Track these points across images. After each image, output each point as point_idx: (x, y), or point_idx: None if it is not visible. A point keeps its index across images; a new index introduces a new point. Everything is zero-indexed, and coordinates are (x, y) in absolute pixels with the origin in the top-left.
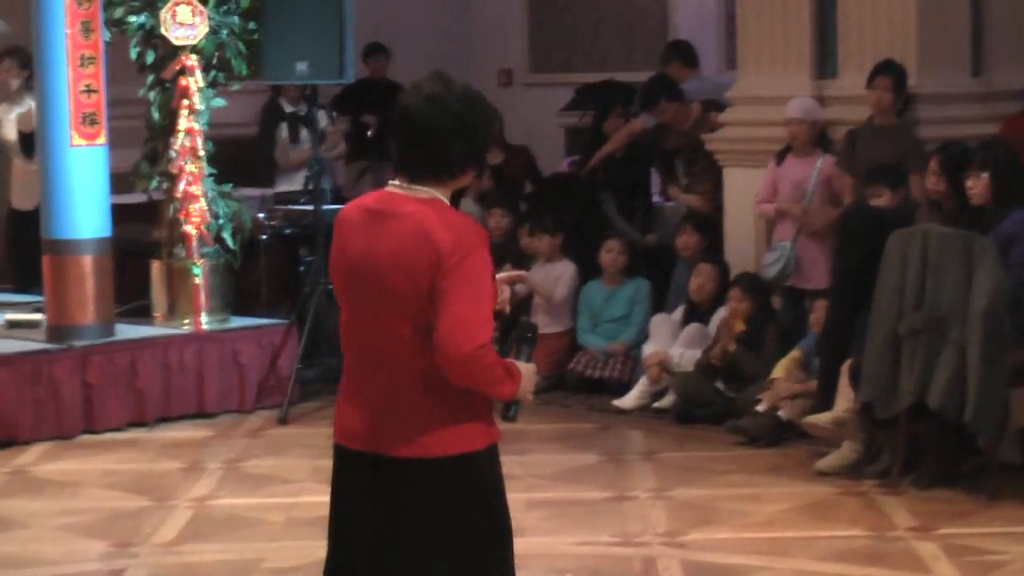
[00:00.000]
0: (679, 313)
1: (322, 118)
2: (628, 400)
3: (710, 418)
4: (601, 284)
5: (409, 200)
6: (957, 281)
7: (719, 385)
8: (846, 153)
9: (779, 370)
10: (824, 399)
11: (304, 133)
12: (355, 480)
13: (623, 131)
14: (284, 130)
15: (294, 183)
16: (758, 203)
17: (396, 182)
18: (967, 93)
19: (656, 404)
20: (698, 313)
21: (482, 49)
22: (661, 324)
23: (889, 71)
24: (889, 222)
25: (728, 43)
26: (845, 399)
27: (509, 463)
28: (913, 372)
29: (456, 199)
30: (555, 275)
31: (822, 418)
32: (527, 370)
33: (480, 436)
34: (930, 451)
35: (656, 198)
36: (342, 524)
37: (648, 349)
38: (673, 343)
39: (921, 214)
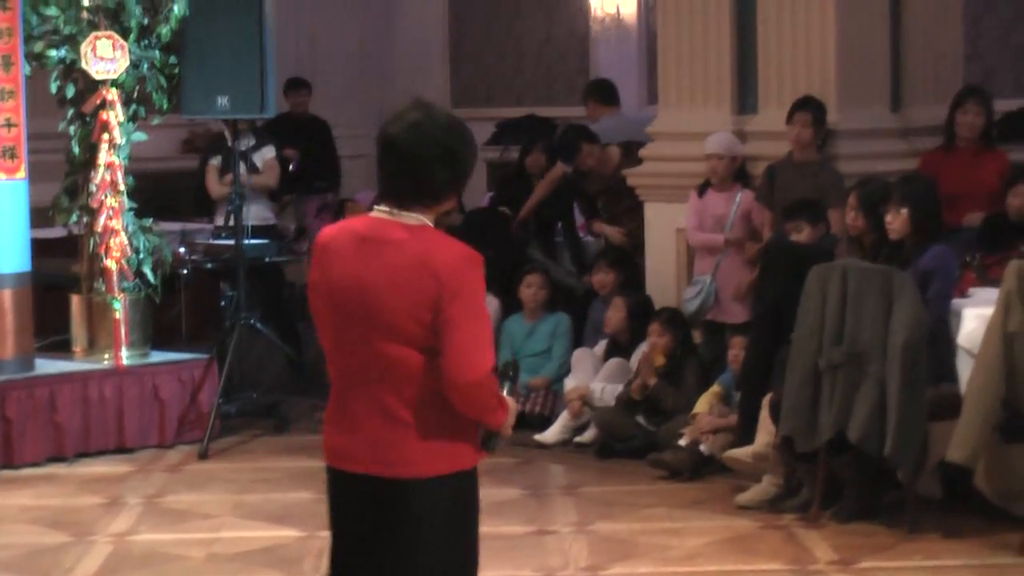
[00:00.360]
0: (600, 347)
1: (268, 151)
2: (549, 434)
3: (631, 452)
4: (522, 319)
5: (399, 226)
6: (876, 316)
7: (640, 419)
8: (765, 188)
9: (701, 404)
10: (745, 433)
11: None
12: (348, 500)
13: (546, 180)
14: (218, 161)
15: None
16: (692, 231)
17: (383, 208)
18: (886, 129)
19: (577, 438)
20: (619, 348)
21: (403, 83)
22: (583, 358)
23: (808, 107)
24: (809, 257)
25: (649, 78)
26: (765, 433)
27: None
28: (833, 406)
29: None
30: None
31: (743, 452)
32: (511, 405)
33: (468, 456)
34: (850, 485)
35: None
36: (339, 541)
37: (569, 383)
38: (595, 377)
39: (841, 249)
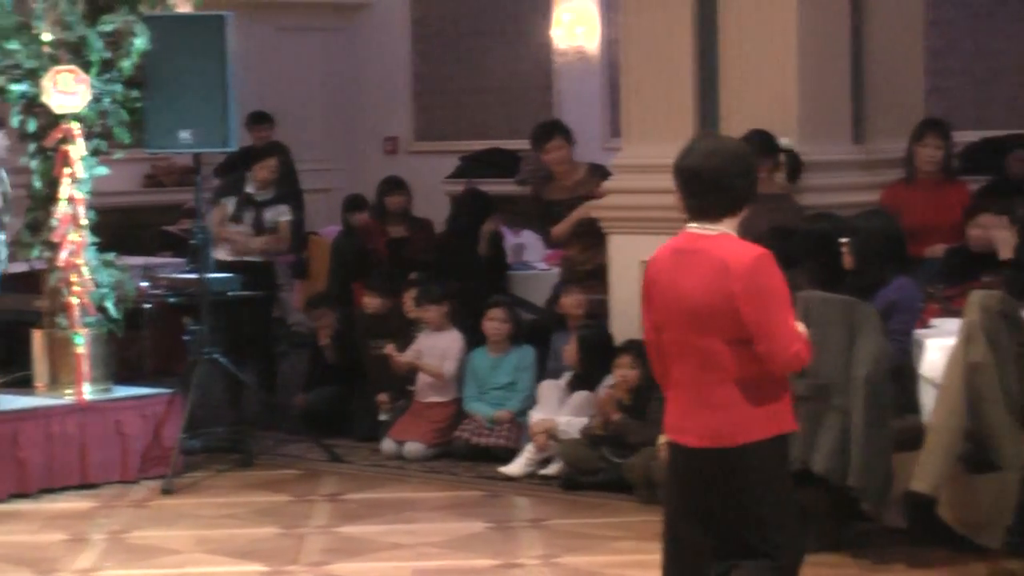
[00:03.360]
0: (566, 380)
1: (284, 212)
2: (515, 467)
3: (598, 485)
4: (486, 352)
5: (705, 238)
6: (840, 347)
7: (606, 452)
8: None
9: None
10: None
11: (248, 217)
12: (685, 467)
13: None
14: (231, 205)
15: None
16: None
17: (694, 225)
18: (849, 161)
19: (543, 471)
20: (584, 380)
21: (368, 117)
22: (548, 391)
23: (749, 141)
24: None
25: (613, 112)
26: None
27: (397, 532)
28: (798, 438)
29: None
30: (442, 346)
31: None
32: (801, 327)
33: (774, 424)
34: (816, 517)
35: (542, 264)
36: (676, 503)
37: (535, 416)
38: (560, 410)
39: (803, 280)
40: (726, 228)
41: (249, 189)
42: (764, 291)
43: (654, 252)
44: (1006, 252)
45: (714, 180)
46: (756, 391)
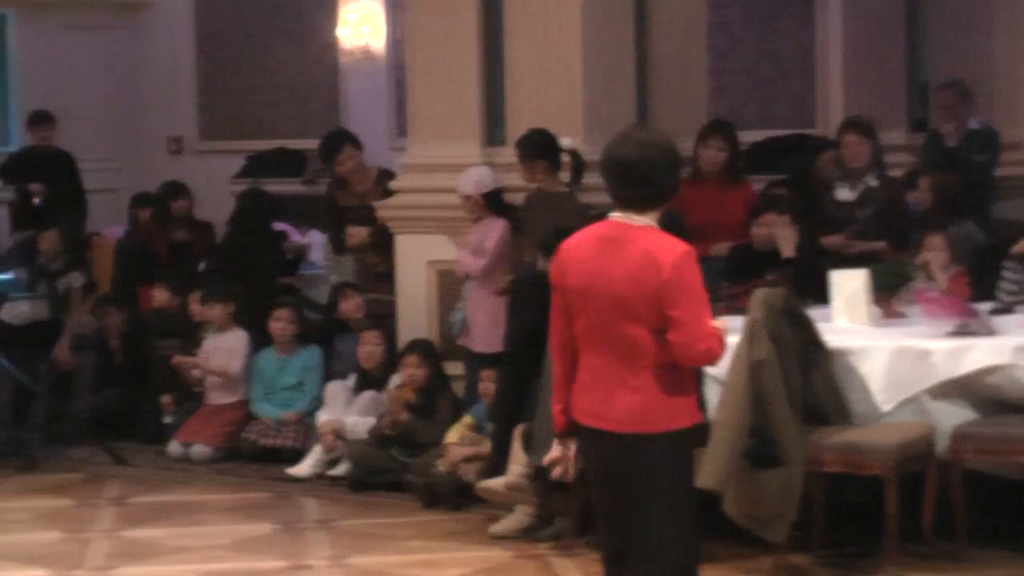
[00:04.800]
0: (352, 380)
1: (76, 279)
2: (303, 468)
3: (386, 485)
4: (273, 353)
5: (630, 227)
6: None
7: (394, 452)
8: (523, 219)
9: (452, 435)
10: (498, 464)
11: (41, 289)
12: (596, 450)
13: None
14: (23, 279)
15: None
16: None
17: (618, 214)
18: None
19: (331, 472)
20: (371, 380)
21: (152, 116)
22: (336, 392)
23: (518, 146)
24: None
25: (399, 111)
26: (518, 463)
27: (184, 535)
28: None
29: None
30: (228, 346)
31: (496, 483)
32: (723, 324)
33: (687, 417)
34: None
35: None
36: (591, 484)
37: (322, 417)
38: (348, 410)
39: None
40: (650, 220)
41: (40, 260)
42: (686, 286)
43: (567, 242)
44: (788, 250)
45: (643, 172)
46: (677, 379)
